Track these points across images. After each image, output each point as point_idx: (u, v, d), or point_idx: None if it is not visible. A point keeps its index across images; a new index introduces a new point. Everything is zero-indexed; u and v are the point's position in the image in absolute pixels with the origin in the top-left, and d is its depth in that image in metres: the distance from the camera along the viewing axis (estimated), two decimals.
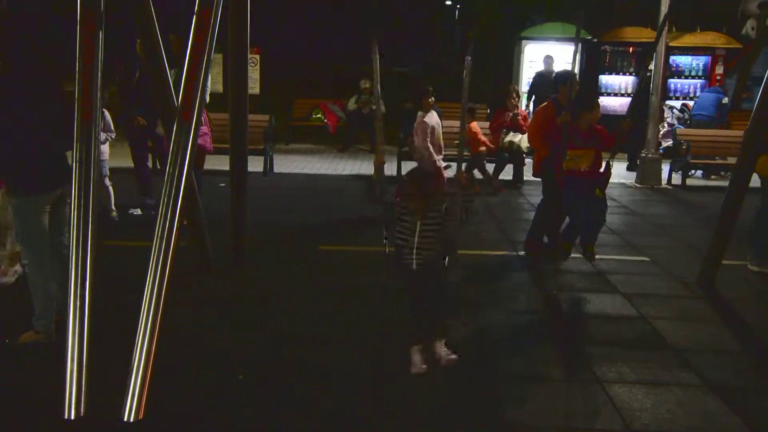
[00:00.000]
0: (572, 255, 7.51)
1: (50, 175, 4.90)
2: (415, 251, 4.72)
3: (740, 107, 19.85)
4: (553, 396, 4.55)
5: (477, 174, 11.66)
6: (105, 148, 8.59)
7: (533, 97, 15.10)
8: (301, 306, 6.02)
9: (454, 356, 4.80)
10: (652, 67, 12.84)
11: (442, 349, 4.81)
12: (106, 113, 8.36)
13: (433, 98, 8.60)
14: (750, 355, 5.48)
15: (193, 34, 4.18)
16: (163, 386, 3.83)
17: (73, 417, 3.32)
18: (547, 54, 15.88)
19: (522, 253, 7.86)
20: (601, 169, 6.72)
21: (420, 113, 8.53)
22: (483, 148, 11.60)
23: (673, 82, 17.27)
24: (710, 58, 17.23)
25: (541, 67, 16.08)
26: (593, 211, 6.64)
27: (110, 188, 8.63)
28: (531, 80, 15.90)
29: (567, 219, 7.24)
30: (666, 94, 16.64)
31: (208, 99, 9.48)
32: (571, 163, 6.52)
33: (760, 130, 6.65)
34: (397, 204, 4.96)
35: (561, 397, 4.52)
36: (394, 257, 4.89)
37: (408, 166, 6.69)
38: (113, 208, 8.62)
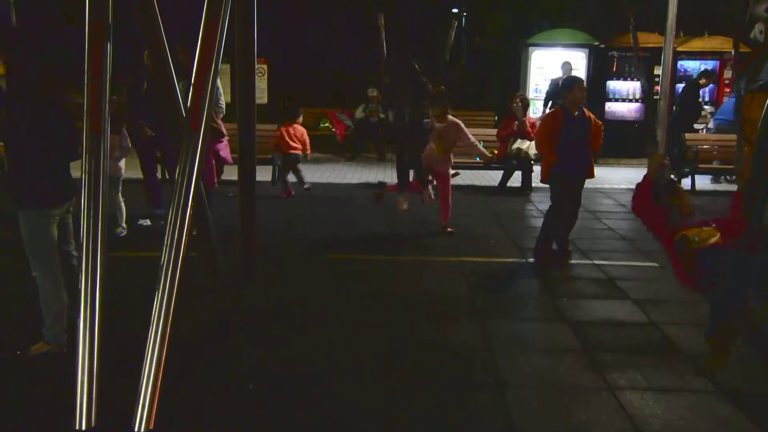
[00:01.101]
0: (574, 261, 7.52)
1: (60, 189, 4.98)
2: None
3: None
4: (564, 403, 4.53)
5: (291, 176, 12.00)
6: (122, 164, 8.62)
7: (549, 103, 15.13)
8: (310, 315, 6.03)
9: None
10: (658, 72, 12.82)
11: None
12: (124, 130, 8.43)
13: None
14: (763, 360, 5.44)
15: (201, 44, 4.20)
16: (173, 396, 3.83)
17: (84, 428, 3.33)
18: (565, 60, 15.90)
19: (531, 260, 7.85)
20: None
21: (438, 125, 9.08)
22: (294, 151, 11.88)
23: (682, 87, 17.19)
24: (718, 62, 17.18)
25: (552, 74, 16.13)
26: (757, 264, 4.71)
27: (122, 204, 8.64)
28: (547, 87, 15.93)
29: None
30: (674, 98, 16.60)
31: (224, 110, 9.54)
32: (697, 244, 4.81)
33: None
34: None
35: (572, 404, 4.50)
36: None
37: None
38: (123, 225, 8.62)
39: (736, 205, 5.06)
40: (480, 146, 9.67)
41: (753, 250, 4.57)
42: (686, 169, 13.28)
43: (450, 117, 9.08)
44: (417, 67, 9.56)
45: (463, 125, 9.14)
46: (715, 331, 4.79)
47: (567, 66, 15.59)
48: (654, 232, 5.36)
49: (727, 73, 17.16)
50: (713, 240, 4.81)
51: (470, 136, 9.21)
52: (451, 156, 9.32)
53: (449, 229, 9.06)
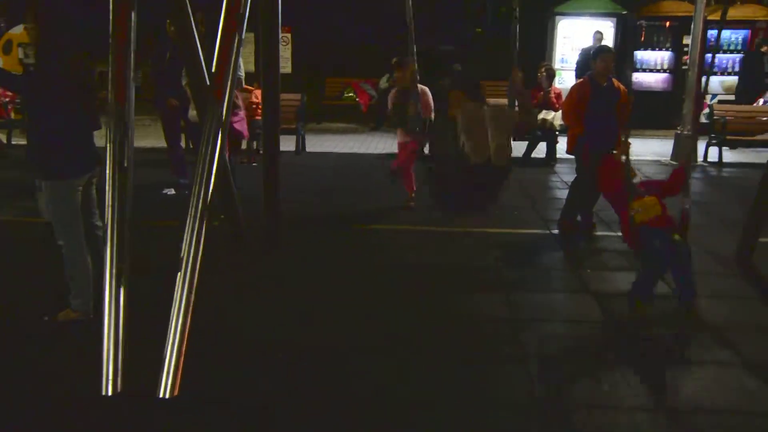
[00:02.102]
0: (599, 233, 7.48)
1: (83, 159, 5.02)
2: None
3: None
4: (589, 374, 4.52)
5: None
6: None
7: (581, 74, 14.98)
8: (336, 286, 6.04)
9: None
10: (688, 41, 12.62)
11: None
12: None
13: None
14: None
15: (225, 13, 4.18)
16: (199, 365, 3.87)
17: (110, 393, 3.37)
18: (596, 30, 15.71)
19: (555, 231, 7.81)
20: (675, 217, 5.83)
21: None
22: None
23: (741, 57, 16.87)
24: (750, 31, 16.87)
25: (578, 44, 15.99)
26: (680, 258, 5.58)
27: None
28: (578, 58, 15.76)
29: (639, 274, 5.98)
30: (703, 68, 16.35)
31: (243, 81, 9.51)
32: (641, 215, 5.61)
33: None
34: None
35: (597, 376, 4.49)
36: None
37: None
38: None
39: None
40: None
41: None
42: (714, 141, 13.11)
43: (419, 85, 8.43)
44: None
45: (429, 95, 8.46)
46: (641, 294, 5.59)
47: (598, 35, 15.40)
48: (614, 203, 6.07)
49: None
50: (654, 213, 5.58)
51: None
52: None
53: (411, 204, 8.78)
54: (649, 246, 5.59)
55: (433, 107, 8.45)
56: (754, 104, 14.94)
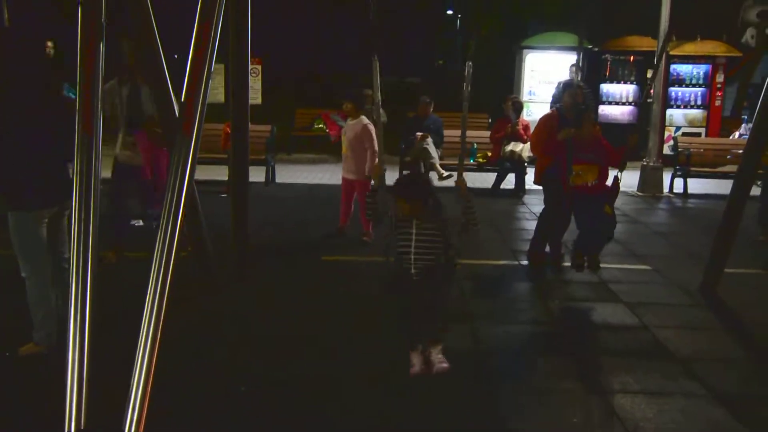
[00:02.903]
0: (567, 265, 7.54)
1: (51, 190, 4.89)
2: (413, 257, 4.92)
3: (740, 116, 19.87)
4: (556, 407, 4.53)
5: None
6: None
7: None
8: (305, 317, 6.01)
9: (445, 364, 4.78)
10: (650, 75, 12.84)
11: (436, 357, 4.82)
12: None
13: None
14: (754, 362, 5.46)
15: (194, 45, 4.18)
16: (164, 399, 3.81)
17: (73, 430, 3.30)
18: (572, 63, 15.93)
19: (524, 262, 7.85)
20: (609, 182, 6.66)
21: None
22: None
23: (674, 91, 17.26)
24: (711, 66, 17.23)
25: (544, 77, 16.21)
26: (602, 226, 6.58)
27: None
28: (554, 91, 15.96)
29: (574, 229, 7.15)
30: (667, 102, 16.63)
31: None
32: (577, 178, 6.39)
33: (762, 137, 6.66)
34: (392, 213, 5.08)
35: (564, 408, 4.50)
36: (393, 266, 5.06)
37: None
38: None
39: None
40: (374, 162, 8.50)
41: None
42: (679, 172, 13.31)
43: (364, 118, 8.74)
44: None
45: (373, 133, 8.47)
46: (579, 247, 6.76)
47: (573, 68, 15.62)
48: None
49: (719, 77, 17.20)
50: (590, 179, 6.47)
51: (375, 147, 8.34)
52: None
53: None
54: (578, 209, 6.63)
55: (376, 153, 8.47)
56: (730, 137, 15.24)
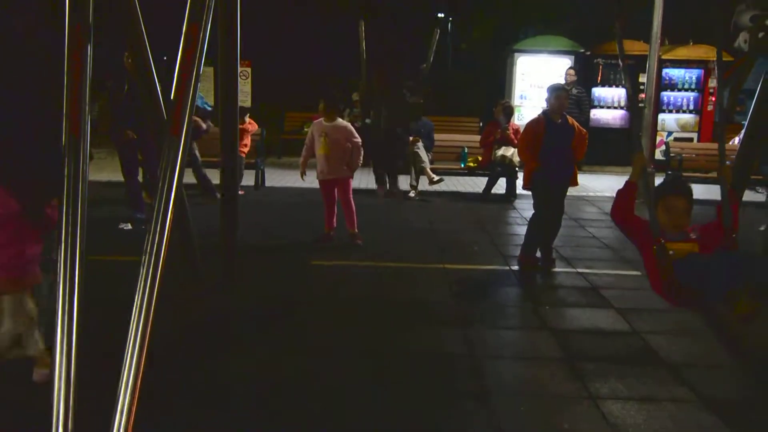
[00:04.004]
0: (558, 269, 7.54)
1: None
2: None
3: (732, 120, 19.93)
4: (546, 412, 4.50)
5: None
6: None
7: None
8: (293, 321, 5.98)
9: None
10: (643, 80, 12.86)
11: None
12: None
13: None
14: (744, 369, 5.45)
15: (183, 47, 4.15)
16: (152, 405, 3.77)
17: None
18: (569, 66, 15.98)
19: (515, 267, 7.84)
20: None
21: None
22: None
23: (666, 95, 17.31)
24: (703, 71, 17.29)
25: (536, 81, 16.26)
26: (732, 262, 4.55)
27: None
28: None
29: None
30: (659, 106, 16.68)
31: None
32: (675, 255, 4.48)
33: (753, 142, 6.66)
34: None
35: (553, 414, 4.47)
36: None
37: None
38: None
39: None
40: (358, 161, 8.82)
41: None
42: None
43: (340, 120, 8.74)
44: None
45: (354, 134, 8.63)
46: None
47: (569, 71, 15.67)
48: (634, 240, 5.03)
49: (712, 82, 17.26)
50: (689, 250, 4.63)
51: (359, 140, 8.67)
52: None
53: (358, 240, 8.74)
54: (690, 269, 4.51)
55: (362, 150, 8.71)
56: (730, 142, 15.27)
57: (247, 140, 12.26)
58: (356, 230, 8.63)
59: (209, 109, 10.58)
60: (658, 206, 4.75)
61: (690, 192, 4.80)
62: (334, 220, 8.77)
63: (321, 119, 8.68)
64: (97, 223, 8.34)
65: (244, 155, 12.27)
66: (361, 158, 8.74)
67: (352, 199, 8.71)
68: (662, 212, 4.77)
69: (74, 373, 3.40)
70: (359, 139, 8.50)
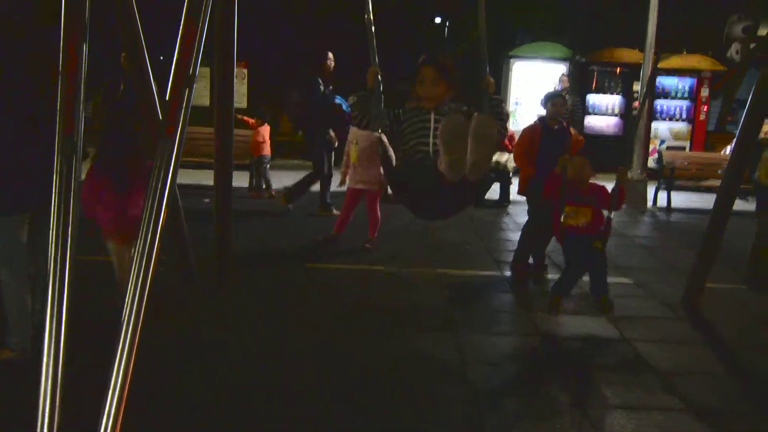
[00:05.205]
0: (550, 276, 7.53)
1: (32, 191, 4.69)
2: (431, 146, 4.57)
3: (725, 130, 20.04)
4: (535, 419, 4.51)
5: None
6: None
7: None
8: (286, 324, 5.97)
9: None
10: (637, 88, 12.91)
11: None
12: None
13: None
14: (734, 377, 5.47)
15: (179, 48, 4.14)
16: (140, 406, 3.76)
17: None
18: (563, 72, 16.01)
19: (508, 273, 7.84)
20: (601, 226, 6.34)
21: None
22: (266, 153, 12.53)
23: (659, 104, 17.37)
24: (696, 80, 17.36)
25: (531, 86, 16.31)
26: (594, 267, 6.27)
27: None
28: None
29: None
30: (653, 115, 16.74)
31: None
32: (569, 219, 6.21)
33: (744, 152, 6.69)
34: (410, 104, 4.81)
35: (542, 421, 4.48)
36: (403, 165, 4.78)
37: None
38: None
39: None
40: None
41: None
42: (663, 186, 13.39)
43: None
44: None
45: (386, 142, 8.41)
46: (557, 291, 6.39)
47: (563, 77, 15.70)
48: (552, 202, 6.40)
49: (704, 91, 17.34)
50: (583, 220, 6.19)
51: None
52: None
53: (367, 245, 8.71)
54: (569, 249, 6.35)
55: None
56: (722, 152, 15.32)
57: (262, 138, 12.67)
58: (374, 236, 8.62)
59: (344, 108, 10.53)
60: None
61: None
62: (345, 226, 8.71)
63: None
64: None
65: (266, 153, 12.58)
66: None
67: (378, 210, 8.71)
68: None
69: (61, 376, 3.39)
70: (390, 151, 8.30)
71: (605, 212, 6.34)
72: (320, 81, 10.11)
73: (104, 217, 5.84)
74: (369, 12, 4.80)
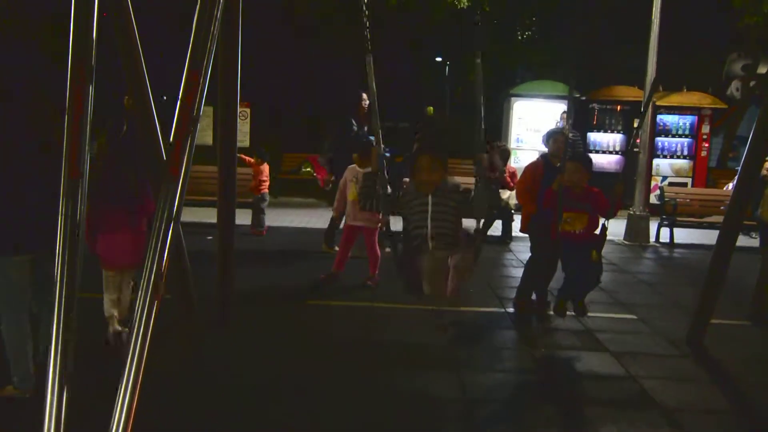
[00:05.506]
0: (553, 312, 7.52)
1: (33, 233, 4.65)
2: (429, 229, 4.99)
3: (726, 166, 20.09)
4: None
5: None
6: None
7: None
8: (286, 363, 5.94)
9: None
10: (636, 125, 12.96)
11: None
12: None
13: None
14: (739, 414, 5.44)
15: (184, 89, 4.19)
16: None
17: None
18: (563, 110, 16.14)
19: (511, 310, 7.83)
20: (597, 231, 6.58)
21: None
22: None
23: (661, 141, 17.45)
24: (696, 117, 17.45)
25: (533, 125, 16.43)
26: (589, 273, 6.54)
27: None
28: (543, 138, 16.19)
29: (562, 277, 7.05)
30: (654, 151, 16.81)
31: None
32: (566, 225, 6.41)
33: (746, 188, 6.72)
34: (404, 188, 5.27)
35: None
36: (404, 247, 5.19)
37: None
38: None
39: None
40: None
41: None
42: (665, 222, 13.40)
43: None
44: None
45: None
46: (564, 296, 6.63)
47: (564, 115, 15.82)
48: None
49: (705, 128, 17.42)
50: (579, 227, 6.42)
51: None
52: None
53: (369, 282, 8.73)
54: (566, 255, 6.60)
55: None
56: (724, 188, 15.34)
57: (265, 177, 12.64)
58: (375, 273, 8.64)
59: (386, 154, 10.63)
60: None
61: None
62: (344, 264, 8.72)
63: (355, 165, 8.80)
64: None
65: (266, 191, 12.38)
66: None
67: (377, 247, 8.72)
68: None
69: (65, 414, 3.39)
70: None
71: (601, 219, 6.55)
72: (353, 122, 10.18)
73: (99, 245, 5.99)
74: (371, 78, 5.11)
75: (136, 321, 3.63)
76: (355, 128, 10.18)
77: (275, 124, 19.28)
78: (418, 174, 5.07)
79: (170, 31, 12.85)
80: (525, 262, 8.04)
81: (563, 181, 6.45)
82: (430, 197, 5.01)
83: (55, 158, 4.43)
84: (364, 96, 10.30)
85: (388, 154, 10.67)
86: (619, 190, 6.65)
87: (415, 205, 5.05)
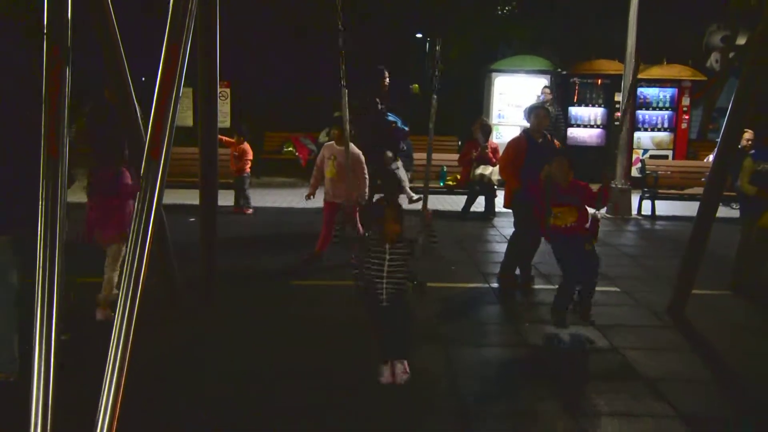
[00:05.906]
0: (537, 287, 7.54)
1: (9, 216, 4.63)
2: (385, 283, 5.15)
3: (706, 138, 20.20)
4: (525, 428, 4.52)
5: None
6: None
7: None
8: (272, 341, 5.96)
9: (406, 375, 4.98)
10: (619, 98, 13.00)
11: (400, 368, 4.99)
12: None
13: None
14: (721, 383, 5.51)
15: (162, 69, 4.16)
16: (131, 425, 3.75)
17: None
18: (545, 85, 16.16)
19: (495, 285, 7.86)
20: (587, 225, 6.44)
21: None
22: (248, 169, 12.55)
23: (641, 114, 17.52)
24: (677, 90, 17.52)
25: (514, 100, 16.42)
26: (587, 269, 6.33)
27: None
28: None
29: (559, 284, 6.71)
30: (635, 125, 16.87)
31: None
32: (556, 220, 6.30)
33: (726, 160, 6.76)
34: (370, 235, 5.37)
35: (532, 429, 4.49)
36: (365, 290, 5.29)
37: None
38: None
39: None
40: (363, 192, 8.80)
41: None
42: (647, 195, 13.48)
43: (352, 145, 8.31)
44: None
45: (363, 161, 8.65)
46: (561, 306, 6.35)
47: (545, 90, 15.83)
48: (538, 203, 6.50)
49: (685, 101, 17.50)
50: (570, 220, 6.27)
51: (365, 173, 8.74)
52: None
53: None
54: (558, 250, 6.44)
55: (366, 179, 8.73)
56: (704, 160, 15.42)
57: (249, 156, 12.64)
58: (322, 252, 8.67)
59: (406, 129, 10.55)
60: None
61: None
62: (327, 244, 8.69)
63: (333, 142, 8.72)
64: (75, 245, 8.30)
65: (248, 173, 12.34)
66: (367, 189, 8.79)
67: (360, 224, 8.70)
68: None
69: (52, 397, 3.38)
70: (365, 169, 8.54)
71: (591, 211, 6.44)
72: (377, 100, 10.08)
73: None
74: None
75: (120, 304, 3.62)
76: (381, 107, 10.07)
77: (256, 101, 19.15)
78: (386, 225, 5.22)
79: (146, 9, 12.73)
80: (509, 238, 8.06)
81: (551, 174, 6.40)
82: (387, 250, 5.17)
83: (31, 137, 4.40)
84: (386, 74, 10.19)
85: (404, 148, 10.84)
86: (607, 180, 6.68)
87: (375, 253, 5.21)
